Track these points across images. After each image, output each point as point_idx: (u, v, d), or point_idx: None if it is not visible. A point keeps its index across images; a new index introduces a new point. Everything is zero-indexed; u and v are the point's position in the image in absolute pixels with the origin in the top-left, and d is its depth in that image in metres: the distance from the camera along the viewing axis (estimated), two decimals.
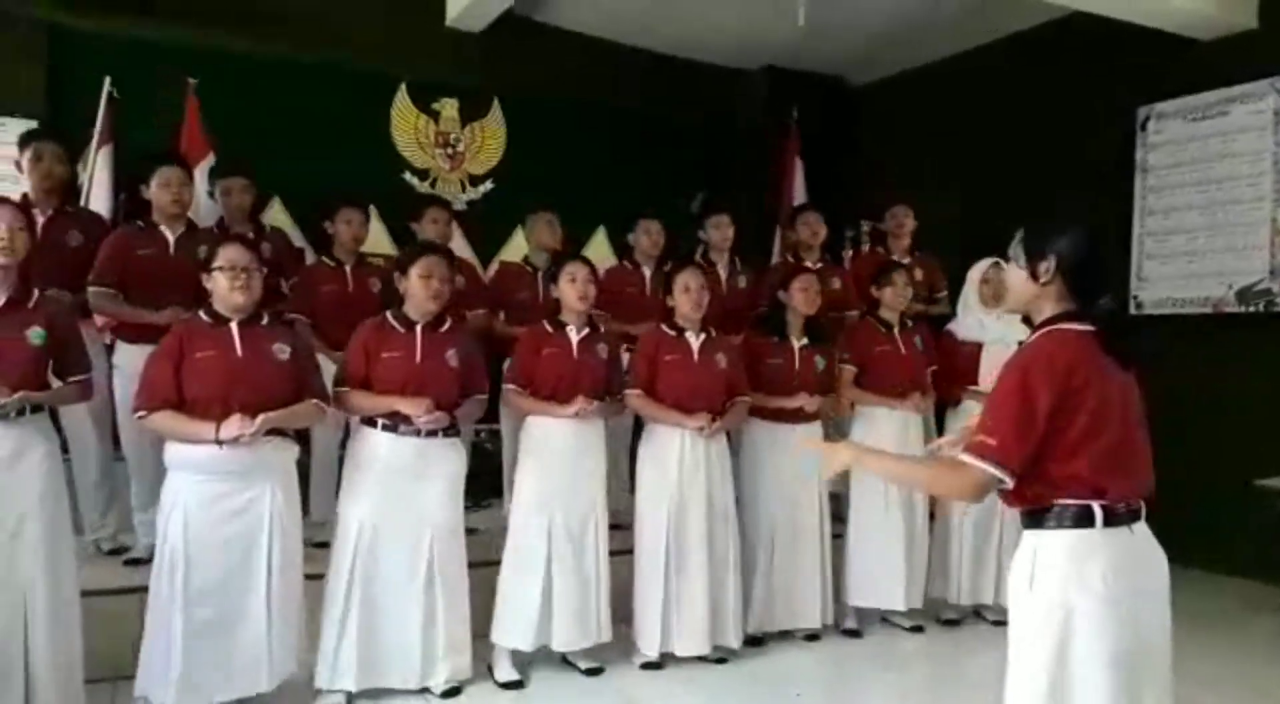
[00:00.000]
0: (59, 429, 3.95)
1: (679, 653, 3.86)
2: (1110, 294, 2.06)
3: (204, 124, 5.44)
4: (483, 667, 3.72)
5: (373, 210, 5.04)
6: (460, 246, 5.39)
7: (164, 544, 3.08)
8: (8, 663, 2.88)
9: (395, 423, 3.42)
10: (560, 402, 3.74)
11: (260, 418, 3.02)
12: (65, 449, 3.97)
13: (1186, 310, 5.73)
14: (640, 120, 7.02)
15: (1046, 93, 6.41)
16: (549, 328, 3.87)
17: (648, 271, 4.96)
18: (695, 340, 3.98)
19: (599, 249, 6.53)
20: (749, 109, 7.48)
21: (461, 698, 3.54)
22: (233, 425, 3.00)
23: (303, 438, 4.27)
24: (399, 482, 3.43)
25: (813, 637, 4.32)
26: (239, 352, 3.15)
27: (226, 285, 3.16)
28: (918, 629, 4.51)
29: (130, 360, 3.74)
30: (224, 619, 3.08)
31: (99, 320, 4.01)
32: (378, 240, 5.55)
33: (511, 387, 3.81)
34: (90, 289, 3.83)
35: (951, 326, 4.66)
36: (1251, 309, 5.46)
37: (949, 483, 2.09)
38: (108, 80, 5.28)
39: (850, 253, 6.69)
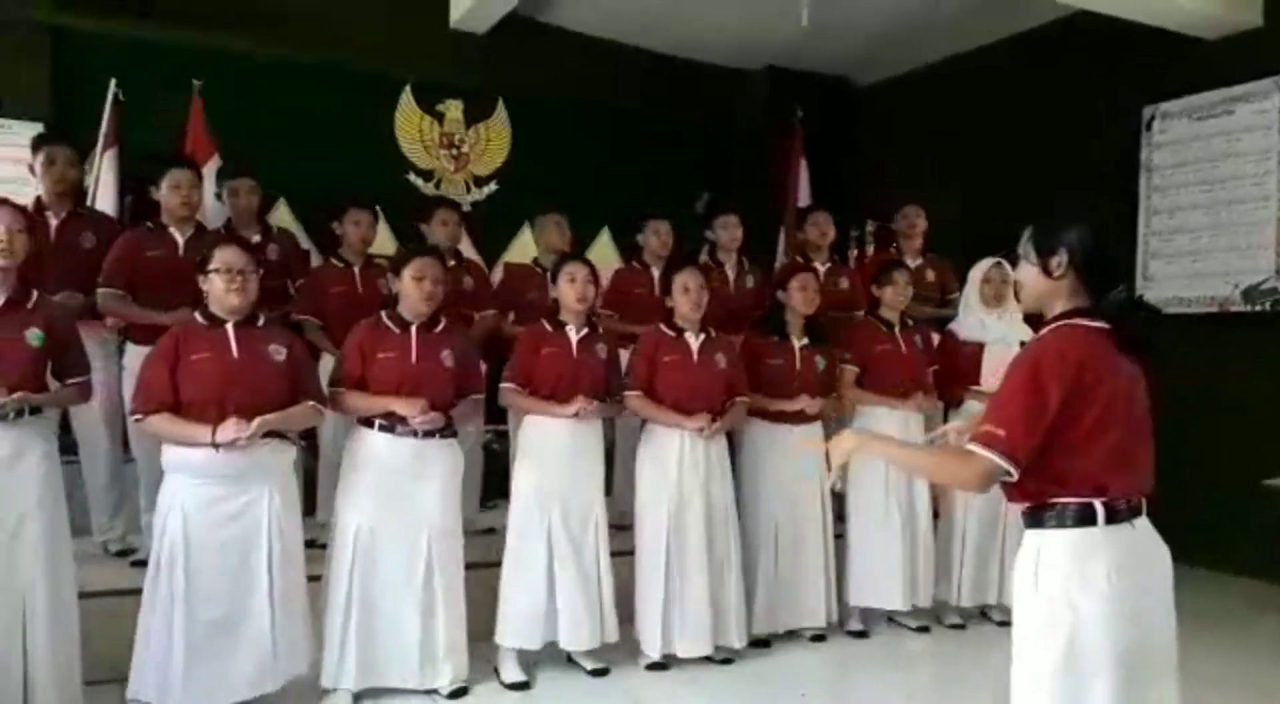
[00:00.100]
0: (69, 431, 3.99)
1: (680, 654, 3.86)
2: (1123, 286, 2.06)
3: (208, 126, 5.46)
4: (489, 668, 3.73)
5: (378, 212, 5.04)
6: (466, 247, 5.41)
7: (160, 547, 3.06)
8: (6, 664, 2.89)
9: (392, 424, 3.42)
10: (559, 401, 3.74)
11: (256, 421, 3.00)
12: (75, 451, 4.01)
13: (1192, 310, 5.72)
14: (644, 121, 7.02)
15: (1050, 92, 6.41)
16: (548, 327, 3.87)
17: (657, 272, 4.95)
18: (695, 341, 3.98)
19: (603, 250, 6.54)
20: (752, 109, 7.48)
21: (468, 698, 3.54)
22: (229, 429, 2.98)
23: (309, 439, 4.29)
24: (396, 483, 3.43)
25: (819, 637, 4.32)
26: (235, 353, 3.14)
27: (223, 287, 3.15)
28: (924, 630, 4.50)
29: (140, 362, 3.74)
30: (225, 622, 3.07)
31: (109, 321, 4.02)
32: (382, 242, 5.55)
33: (510, 386, 3.80)
34: (100, 291, 3.85)
35: (953, 326, 4.66)
36: (1257, 308, 5.46)
37: (953, 471, 2.08)
38: (113, 83, 5.29)
39: (855, 253, 6.69)
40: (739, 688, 3.81)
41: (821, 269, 5.21)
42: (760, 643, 4.19)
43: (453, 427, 3.57)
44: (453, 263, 4.69)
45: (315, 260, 5.34)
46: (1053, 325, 2.03)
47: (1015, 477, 1.96)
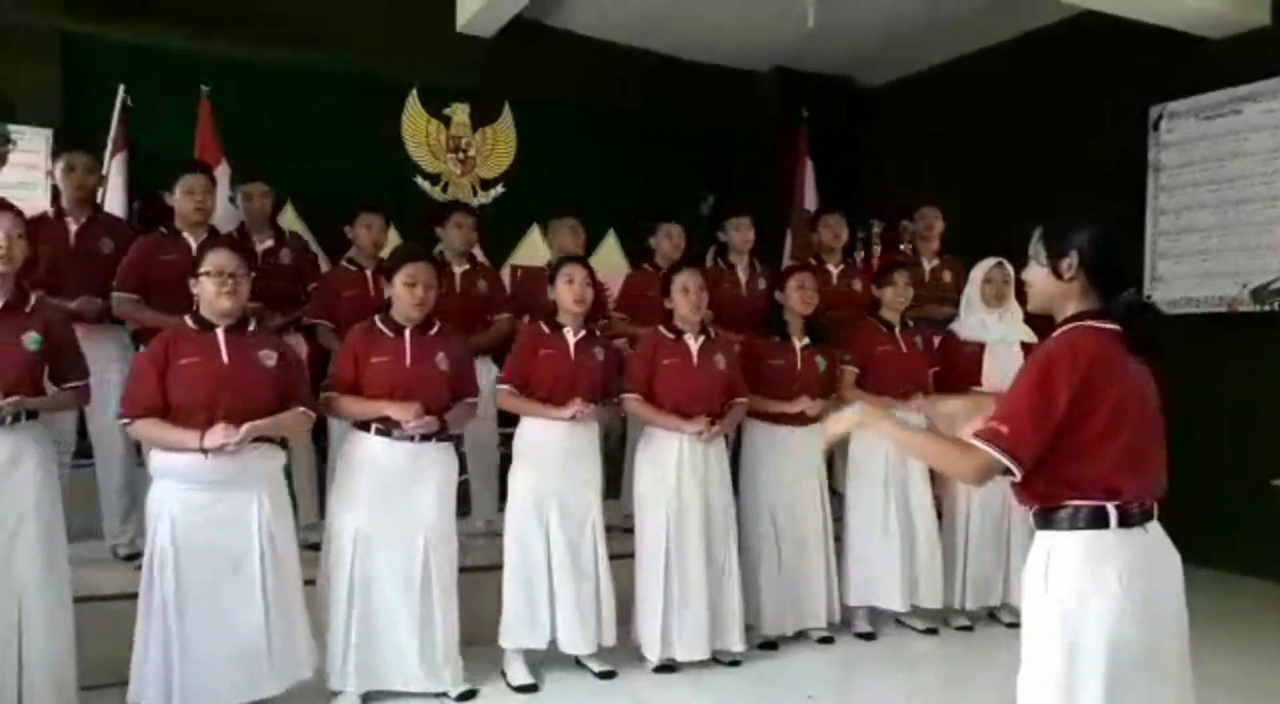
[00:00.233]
0: (85, 436, 4.02)
1: (680, 658, 3.85)
2: (1133, 288, 2.06)
3: (216, 130, 5.48)
4: (496, 670, 3.73)
5: None
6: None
7: (152, 552, 3.04)
8: (3, 668, 2.89)
9: (388, 427, 3.40)
10: (556, 404, 3.73)
11: (245, 427, 2.97)
12: (90, 455, 4.02)
13: (1201, 309, 5.71)
14: (650, 123, 7.03)
15: (1057, 92, 6.40)
16: (545, 329, 3.86)
17: None
18: (694, 343, 3.97)
19: (609, 252, 6.54)
20: (758, 111, 7.48)
21: (476, 701, 3.55)
22: (217, 434, 2.95)
23: (319, 442, 4.31)
24: (392, 486, 3.42)
25: (826, 639, 4.32)
26: (225, 358, 3.11)
27: (213, 290, 3.12)
28: (931, 631, 4.50)
29: None
30: (218, 627, 3.04)
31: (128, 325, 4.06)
32: (389, 245, 5.58)
33: (506, 387, 3.79)
34: (114, 295, 3.88)
35: (954, 326, 4.64)
36: (1266, 308, 5.44)
37: (952, 461, 2.07)
38: (122, 88, 5.33)
39: (861, 254, 6.69)
40: (745, 690, 3.81)
41: (834, 271, 5.22)
42: (768, 645, 4.19)
43: (448, 430, 3.56)
44: (467, 266, 4.72)
45: (323, 264, 5.35)
46: (1065, 327, 2.03)
47: (1017, 475, 1.95)
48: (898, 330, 4.48)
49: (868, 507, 4.39)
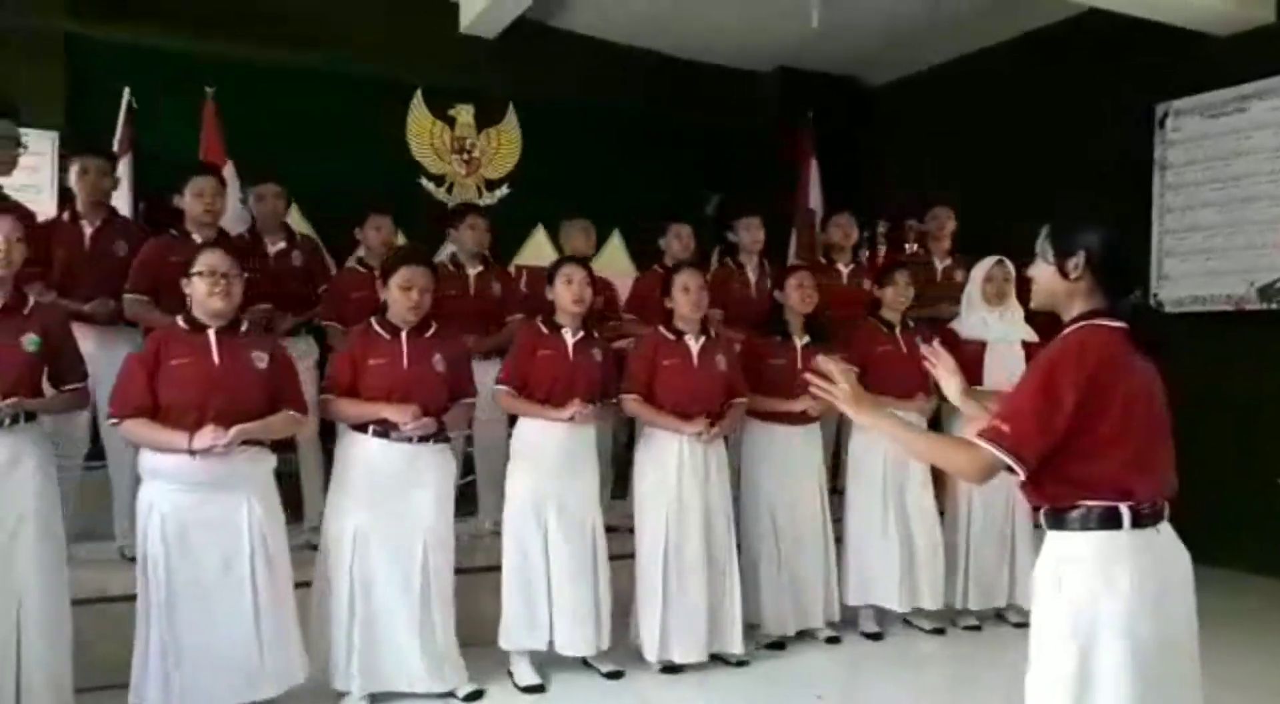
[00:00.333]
0: (98, 438, 4.03)
1: (678, 659, 3.84)
2: (1139, 290, 2.05)
3: (221, 132, 5.49)
4: (503, 671, 3.73)
5: None
6: None
7: (143, 554, 3.03)
8: (1, 670, 2.89)
9: (386, 429, 3.40)
10: (555, 405, 3.72)
11: (234, 429, 2.95)
12: (103, 456, 4.03)
13: (1208, 308, 5.70)
14: (655, 123, 7.04)
15: (1061, 91, 6.39)
16: (544, 329, 3.84)
17: None
18: (694, 344, 3.96)
19: (614, 253, 6.54)
20: (763, 111, 7.49)
21: (483, 702, 3.55)
22: (205, 436, 2.93)
23: (327, 443, 4.30)
24: (390, 488, 3.42)
25: (833, 640, 4.32)
26: (216, 359, 3.09)
27: (205, 291, 3.10)
28: (938, 631, 4.49)
29: None
30: (210, 629, 3.03)
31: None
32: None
33: (504, 388, 3.77)
34: (125, 297, 3.88)
35: (954, 325, 4.62)
36: (1273, 306, 5.43)
37: (952, 458, 2.06)
38: (127, 90, 5.34)
39: (866, 253, 6.68)
40: (752, 690, 3.81)
41: (845, 271, 5.23)
42: (775, 645, 4.19)
43: (445, 431, 3.55)
44: (481, 268, 4.74)
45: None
46: (1074, 326, 2.03)
47: (1020, 474, 1.95)
48: (898, 330, 4.46)
49: (867, 506, 4.39)
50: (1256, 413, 5.34)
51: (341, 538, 3.40)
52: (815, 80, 7.51)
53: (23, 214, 3.89)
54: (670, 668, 3.87)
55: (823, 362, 2.23)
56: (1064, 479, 1.95)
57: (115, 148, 5.13)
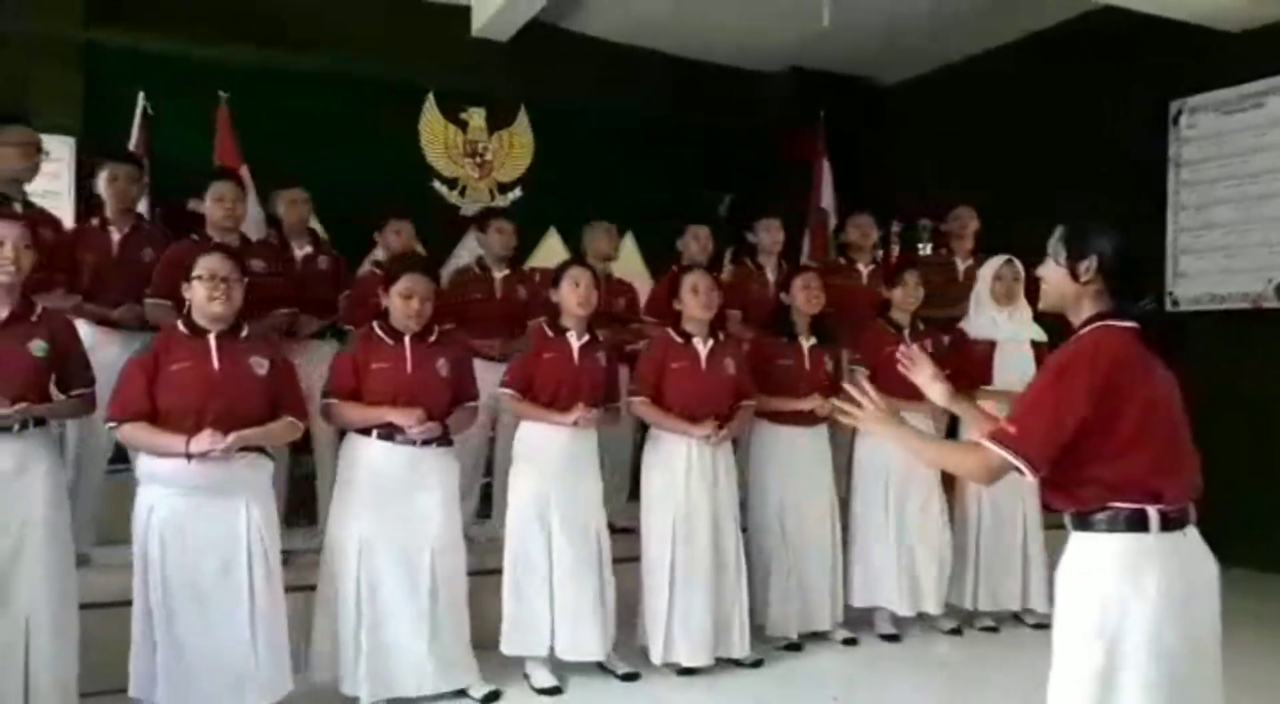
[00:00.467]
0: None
1: (684, 662, 3.83)
2: (1151, 296, 2.04)
3: (235, 137, 5.52)
4: (519, 674, 3.73)
5: None
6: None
7: (140, 558, 3.02)
8: (8, 675, 2.90)
9: (390, 431, 3.39)
10: (560, 409, 3.71)
11: (232, 435, 2.93)
12: (126, 459, 4.05)
13: (1225, 306, 5.66)
14: (667, 125, 7.04)
15: (1076, 89, 6.36)
16: (549, 332, 3.83)
17: None
18: (703, 347, 3.95)
19: (627, 255, 6.52)
20: (775, 111, 7.48)
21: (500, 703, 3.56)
22: (203, 440, 2.91)
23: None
24: (394, 491, 3.41)
25: (850, 641, 4.31)
26: (216, 365, 3.06)
27: (204, 295, 3.08)
28: (955, 632, 4.47)
29: None
30: (206, 634, 3.01)
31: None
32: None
33: (509, 391, 3.76)
34: (147, 301, 3.90)
35: (963, 325, 4.60)
36: None
37: (959, 460, 2.10)
38: (142, 96, 5.38)
39: (880, 253, 6.67)
40: (768, 692, 3.80)
41: (864, 271, 5.22)
42: (792, 647, 4.18)
43: (449, 436, 3.55)
44: (507, 271, 4.78)
45: None
46: (1087, 327, 2.02)
47: (1027, 474, 1.94)
48: (907, 332, 4.44)
49: (871, 509, 4.38)
50: (1275, 411, 5.30)
51: (347, 542, 3.40)
52: (826, 80, 7.49)
53: (49, 221, 3.96)
54: (686, 670, 3.86)
55: (854, 387, 2.26)
56: (1091, 481, 1.94)
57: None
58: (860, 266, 5.24)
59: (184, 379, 3.03)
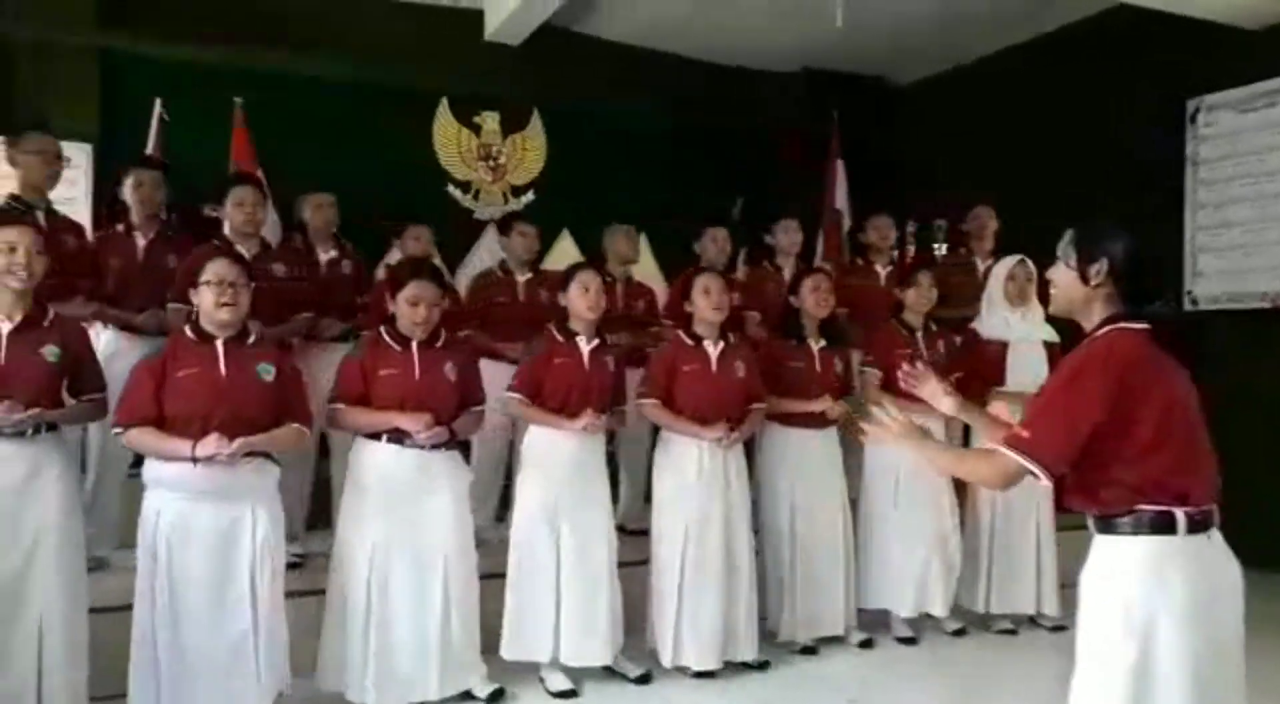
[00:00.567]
0: None
1: (693, 665, 3.82)
2: (1164, 299, 2.03)
3: (251, 143, 5.55)
4: (534, 676, 3.73)
5: None
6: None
7: (144, 562, 3.03)
8: (21, 679, 2.92)
9: (399, 435, 3.39)
10: (569, 414, 3.69)
11: (238, 441, 2.93)
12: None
13: (1243, 305, 5.61)
14: (679, 126, 7.04)
15: (1092, 88, 6.32)
16: (559, 337, 3.82)
17: None
18: (714, 349, 3.94)
19: (640, 257, 6.52)
20: (788, 112, 7.45)
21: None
22: (210, 443, 2.91)
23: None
24: (405, 496, 3.41)
25: (866, 643, 4.29)
26: (223, 371, 3.07)
27: (212, 301, 3.08)
28: (960, 633, 4.45)
29: None
30: (209, 639, 3.02)
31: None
32: (436, 257, 5.61)
33: (517, 396, 3.75)
34: (169, 306, 3.92)
35: (975, 325, 4.57)
36: None
37: (974, 467, 2.12)
38: (158, 102, 5.41)
39: (896, 253, 6.64)
40: (782, 695, 3.80)
41: (883, 273, 5.21)
42: (808, 650, 4.16)
43: (456, 439, 3.54)
44: (530, 274, 4.81)
45: None
46: (1102, 330, 2.01)
47: (1041, 478, 1.94)
48: (920, 334, 4.42)
49: (879, 511, 4.37)
50: None
51: (357, 546, 3.39)
52: (840, 80, 7.47)
53: (72, 227, 3.99)
54: (702, 673, 3.84)
55: (880, 409, 2.29)
56: (1115, 483, 1.94)
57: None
58: (878, 268, 5.23)
59: (191, 385, 3.03)
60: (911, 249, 6.63)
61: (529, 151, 6.88)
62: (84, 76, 5.58)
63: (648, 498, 4.68)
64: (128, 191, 4.14)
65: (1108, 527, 1.97)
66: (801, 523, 4.17)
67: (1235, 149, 5.69)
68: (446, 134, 6.64)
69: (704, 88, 7.12)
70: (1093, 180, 6.02)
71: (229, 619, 3.05)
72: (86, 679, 3.09)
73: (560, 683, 3.69)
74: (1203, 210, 5.86)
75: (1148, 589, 1.89)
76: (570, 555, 3.68)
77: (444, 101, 6.61)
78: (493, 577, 3.69)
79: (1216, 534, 1.98)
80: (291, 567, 3.99)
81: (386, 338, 3.52)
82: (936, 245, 6.54)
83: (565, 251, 6.29)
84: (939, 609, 4.33)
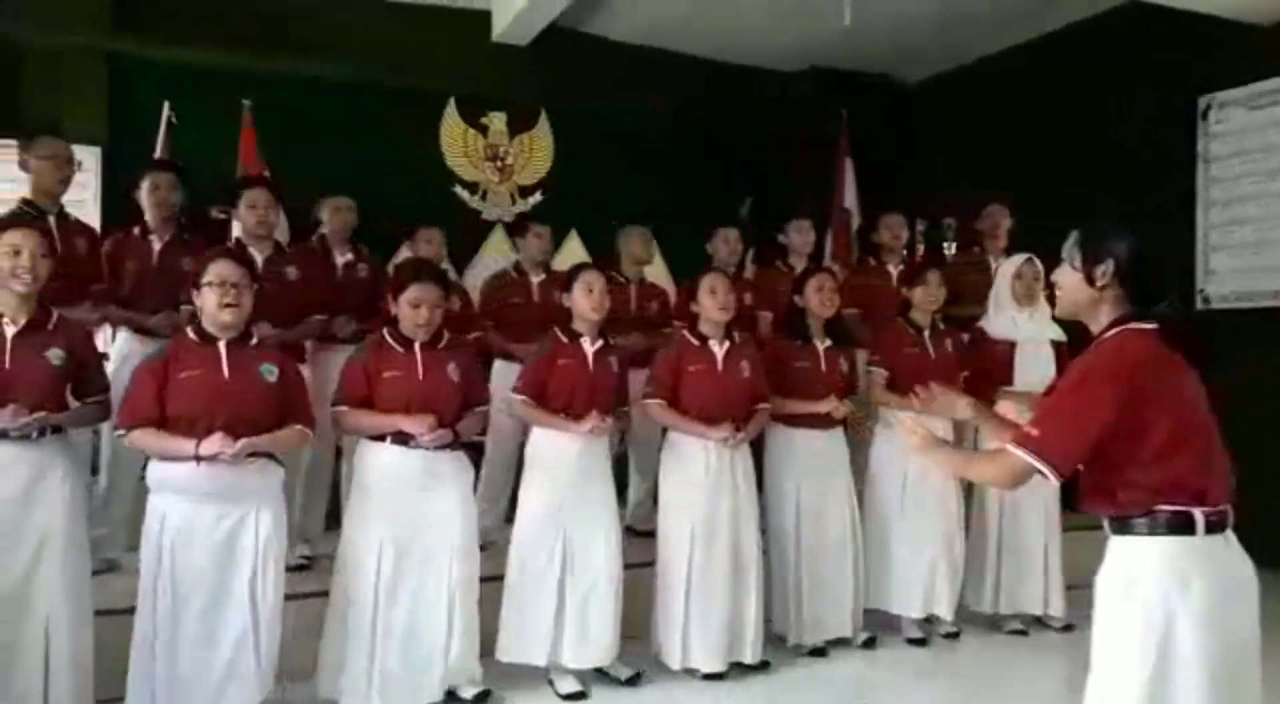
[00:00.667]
0: None
1: (700, 667, 3.80)
2: (1171, 300, 2.01)
3: (259, 145, 5.56)
4: (543, 680, 3.72)
5: None
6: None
7: (148, 563, 3.03)
8: (29, 676, 2.93)
9: (404, 436, 3.38)
10: (574, 416, 3.67)
11: (241, 442, 2.93)
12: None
13: (1255, 304, 5.57)
14: (686, 126, 7.03)
15: (1102, 85, 6.29)
16: (563, 338, 3.81)
17: None
18: (719, 349, 3.93)
19: None
20: (796, 111, 7.44)
21: None
22: (213, 443, 2.91)
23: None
24: (410, 497, 3.40)
25: (869, 642, 4.27)
26: (225, 373, 3.06)
27: (215, 302, 3.07)
28: (954, 635, 4.42)
29: None
30: (207, 638, 3.02)
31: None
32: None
33: (521, 397, 3.74)
34: (183, 308, 3.93)
35: (982, 324, 4.54)
36: None
37: (984, 468, 2.15)
38: (167, 105, 5.43)
39: (906, 253, 6.62)
40: (790, 696, 3.78)
41: (894, 272, 5.19)
42: (818, 651, 4.15)
43: (460, 440, 3.53)
44: (544, 276, 4.82)
45: None
46: (1112, 331, 2.00)
47: (1050, 478, 1.94)
48: (927, 333, 4.39)
49: (884, 511, 4.35)
50: None
51: (362, 548, 3.39)
52: (848, 79, 7.45)
53: (84, 231, 4.01)
54: (710, 675, 3.83)
55: (899, 420, 2.34)
56: (1132, 484, 1.93)
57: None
58: (890, 267, 5.22)
59: (194, 386, 3.03)
60: (922, 248, 6.60)
61: (536, 152, 6.87)
62: (92, 80, 5.61)
63: (657, 501, 4.69)
64: (143, 195, 4.16)
65: (1124, 528, 1.96)
66: (808, 524, 4.15)
67: (1246, 146, 5.66)
68: (453, 134, 6.64)
69: (712, 87, 7.12)
70: (1102, 179, 6.00)
71: (229, 619, 3.06)
72: (92, 682, 3.10)
73: (570, 685, 3.68)
74: (1214, 208, 5.82)
75: (1166, 590, 1.88)
76: (574, 557, 3.68)
77: (451, 102, 6.62)
78: (490, 580, 3.65)
79: (1232, 535, 1.97)
80: (300, 568, 4.03)
81: (389, 340, 3.52)
82: (946, 244, 6.51)
83: (573, 252, 6.30)
84: (944, 610, 4.31)
